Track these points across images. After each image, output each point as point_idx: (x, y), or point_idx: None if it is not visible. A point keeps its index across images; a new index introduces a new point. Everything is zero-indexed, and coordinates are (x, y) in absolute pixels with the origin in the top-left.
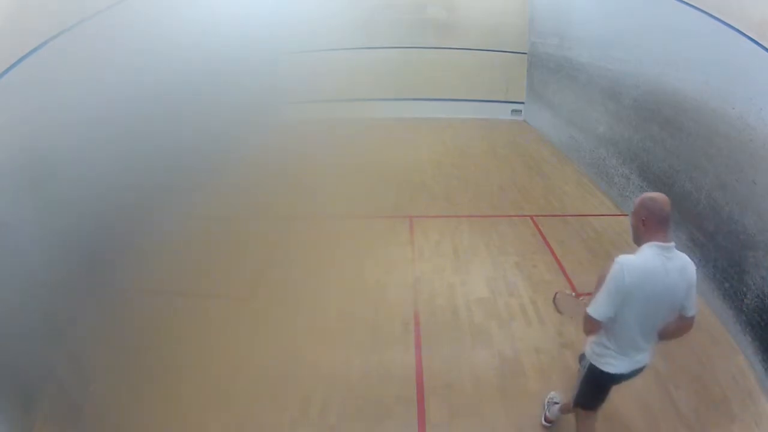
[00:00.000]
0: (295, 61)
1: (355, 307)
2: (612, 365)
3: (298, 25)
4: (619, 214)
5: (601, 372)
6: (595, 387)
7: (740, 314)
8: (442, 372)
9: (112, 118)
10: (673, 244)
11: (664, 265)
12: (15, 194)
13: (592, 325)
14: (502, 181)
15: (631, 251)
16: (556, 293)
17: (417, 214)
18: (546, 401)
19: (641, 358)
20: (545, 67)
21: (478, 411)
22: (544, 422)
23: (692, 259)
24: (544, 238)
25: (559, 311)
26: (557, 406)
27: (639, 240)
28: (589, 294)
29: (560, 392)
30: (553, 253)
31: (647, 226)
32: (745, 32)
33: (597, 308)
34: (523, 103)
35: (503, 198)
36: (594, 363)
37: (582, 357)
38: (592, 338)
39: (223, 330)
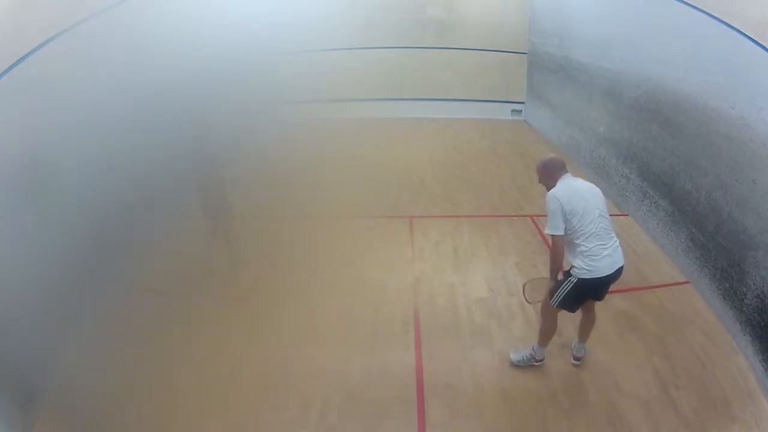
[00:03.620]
0: (295, 61)
1: (355, 307)
2: (600, 269)
3: (298, 25)
4: (619, 214)
5: (591, 279)
6: (578, 295)
7: (740, 314)
8: (442, 372)
9: (112, 117)
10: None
11: (573, 183)
12: (15, 194)
13: (556, 240)
14: (502, 181)
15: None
16: (524, 284)
17: (417, 214)
18: (526, 361)
19: (613, 253)
20: (545, 67)
21: (478, 411)
22: (536, 363)
23: (692, 260)
24: (544, 238)
25: (528, 301)
26: (530, 350)
27: (553, 184)
28: None
29: (516, 349)
30: None
31: (554, 175)
32: (745, 32)
33: (552, 227)
34: (523, 103)
35: (503, 198)
36: (582, 277)
37: (566, 274)
38: (571, 261)
39: (223, 330)
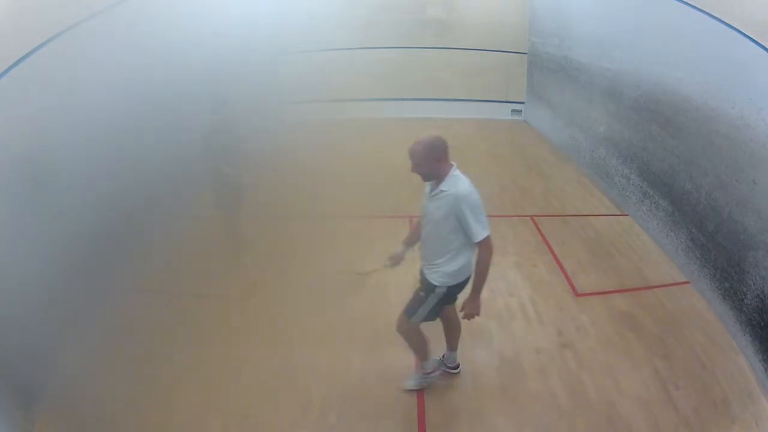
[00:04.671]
0: (295, 61)
1: (355, 307)
2: (467, 271)
3: (298, 25)
4: (619, 214)
5: (459, 283)
6: (443, 303)
7: (740, 314)
8: (442, 372)
9: (112, 118)
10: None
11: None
12: (15, 194)
13: (490, 241)
14: (502, 182)
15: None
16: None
17: (417, 214)
18: (426, 381)
19: None
20: (545, 67)
21: (478, 411)
22: (432, 374)
23: (692, 260)
24: (544, 238)
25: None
26: (420, 372)
27: (439, 173)
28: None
29: (414, 375)
30: (553, 253)
31: (443, 159)
32: (745, 32)
33: (486, 225)
34: (523, 103)
35: (503, 198)
36: (453, 283)
37: (427, 290)
38: (449, 269)
39: (223, 330)
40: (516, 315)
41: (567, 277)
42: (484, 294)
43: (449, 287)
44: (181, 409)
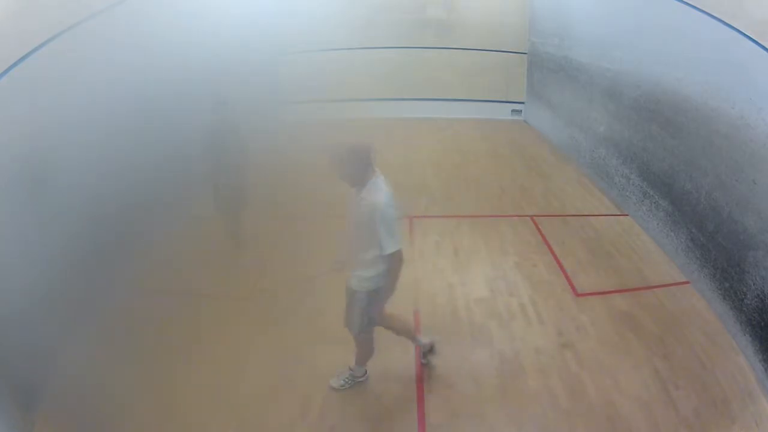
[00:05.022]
0: (295, 61)
1: None
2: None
3: (298, 25)
4: (619, 214)
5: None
6: (379, 305)
7: (740, 314)
8: (442, 372)
9: (112, 117)
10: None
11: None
12: (15, 194)
13: (401, 256)
14: (502, 181)
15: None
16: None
17: (417, 214)
18: (349, 383)
19: None
20: (545, 67)
21: (478, 411)
22: (359, 380)
23: (692, 260)
24: (544, 238)
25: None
26: (348, 372)
27: (362, 179)
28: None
29: (343, 375)
30: (553, 253)
31: (365, 166)
32: (745, 32)
33: (397, 240)
34: (523, 103)
35: (503, 198)
36: (372, 288)
37: (350, 295)
38: (366, 274)
39: (223, 330)
40: (516, 315)
41: (567, 277)
42: (484, 293)
43: (369, 292)
44: (181, 409)
